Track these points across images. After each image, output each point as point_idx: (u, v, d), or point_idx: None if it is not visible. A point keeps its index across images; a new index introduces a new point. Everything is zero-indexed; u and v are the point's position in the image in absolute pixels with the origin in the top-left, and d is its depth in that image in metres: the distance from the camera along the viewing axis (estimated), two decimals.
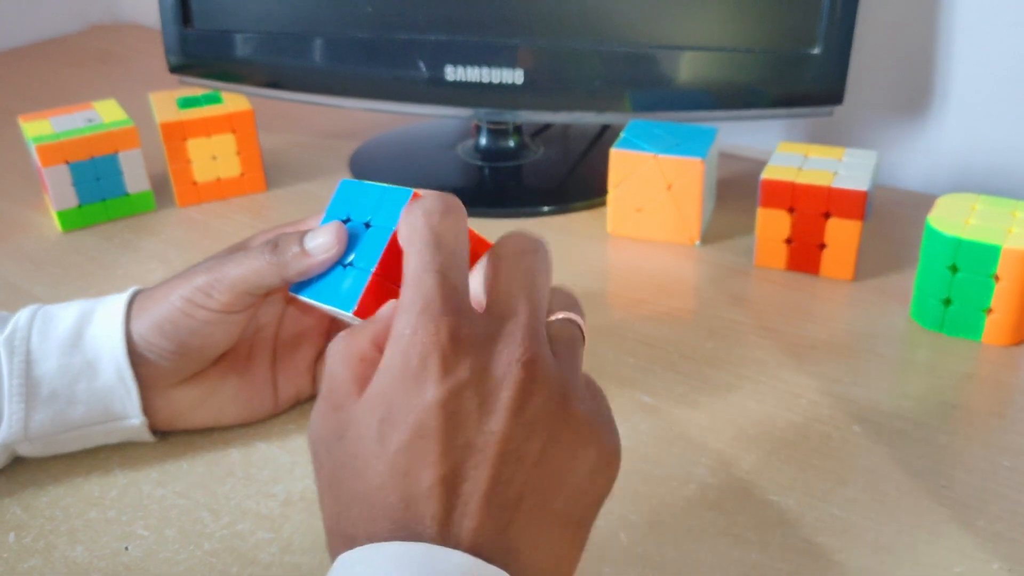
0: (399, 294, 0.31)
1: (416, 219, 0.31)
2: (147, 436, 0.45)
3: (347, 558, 0.27)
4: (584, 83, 0.67)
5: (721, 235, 0.65)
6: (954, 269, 0.52)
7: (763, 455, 0.45)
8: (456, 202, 0.32)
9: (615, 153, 0.63)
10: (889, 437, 0.46)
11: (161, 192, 0.72)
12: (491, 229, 0.38)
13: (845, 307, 0.57)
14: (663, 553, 0.40)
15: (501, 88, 0.68)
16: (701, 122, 0.66)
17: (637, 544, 0.40)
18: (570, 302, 0.34)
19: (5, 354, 0.42)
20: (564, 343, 0.32)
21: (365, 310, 0.36)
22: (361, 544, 0.27)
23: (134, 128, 0.67)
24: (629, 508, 0.42)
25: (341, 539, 0.28)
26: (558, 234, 0.66)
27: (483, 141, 0.77)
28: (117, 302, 0.44)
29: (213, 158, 0.71)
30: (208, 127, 0.69)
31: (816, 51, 0.62)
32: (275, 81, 0.72)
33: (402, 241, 0.32)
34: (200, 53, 0.73)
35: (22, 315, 0.44)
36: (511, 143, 0.77)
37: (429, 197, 0.32)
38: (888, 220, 0.66)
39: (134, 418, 0.44)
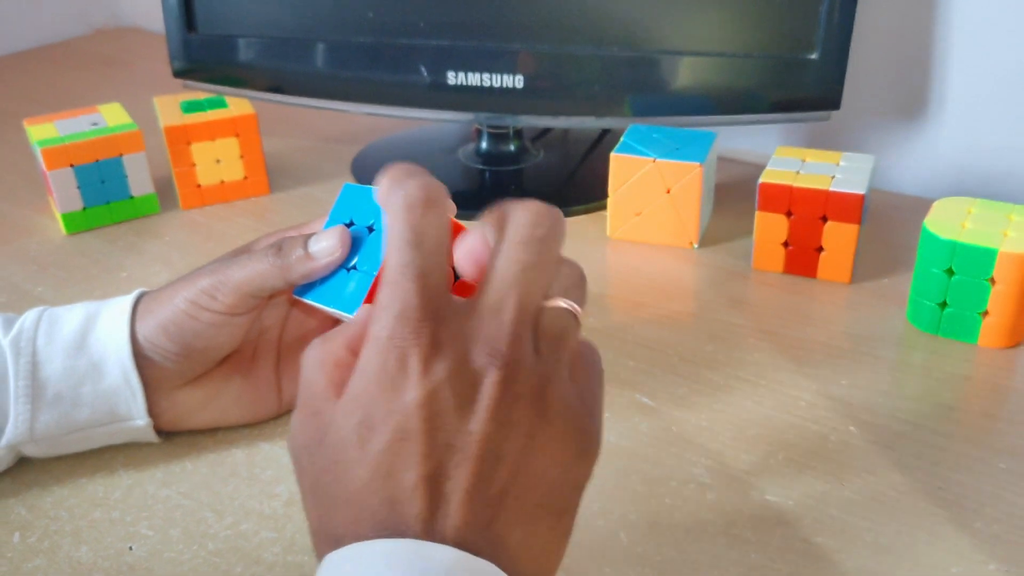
0: None
1: (396, 214, 0.30)
2: (152, 437, 0.46)
3: (334, 557, 0.28)
4: (584, 88, 0.67)
5: (720, 238, 0.66)
6: (950, 272, 0.52)
7: (762, 456, 0.45)
8: (439, 192, 0.31)
9: (615, 157, 0.63)
10: (886, 439, 0.46)
11: (165, 195, 0.72)
12: None
13: (842, 310, 0.57)
14: (663, 553, 0.40)
15: (502, 92, 0.68)
16: (700, 127, 0.67)
17: (637, 544, 0.41)
18: (572, 282, 0.32)
19: (11, 355, 0.43)
20: (552, 336, 0.30)
21: None
22: (347, 544, 0.28)
23: (138, 132, 0.68)
24: (629, 508, 0.42)
25: (327, 541, 0.29)
26: None
27: (484, 145, 0.77)
28: (122, 304, 0.45)
29: (217, 161, 0.71)
30: (212, 131, 0.70)
31: (814, 56, 0.62)
32: (278, 85, 0.73)
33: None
34: (204, 58, 0.73)
35: (28, 317, 0.44)
36: (512, 147, 0.77)
37: (411, 186, 0.30)
38: (885, 224, 0.67)
39: (139, 419, 0.44)
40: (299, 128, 0.87)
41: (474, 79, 0.68)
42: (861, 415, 0.48)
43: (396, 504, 0.28)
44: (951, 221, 0.53)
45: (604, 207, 0.67)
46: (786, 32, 0.62)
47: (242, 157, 0.72)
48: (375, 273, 0.37)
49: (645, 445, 0.46)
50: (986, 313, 0.52)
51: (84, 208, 0.68)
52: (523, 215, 0.31)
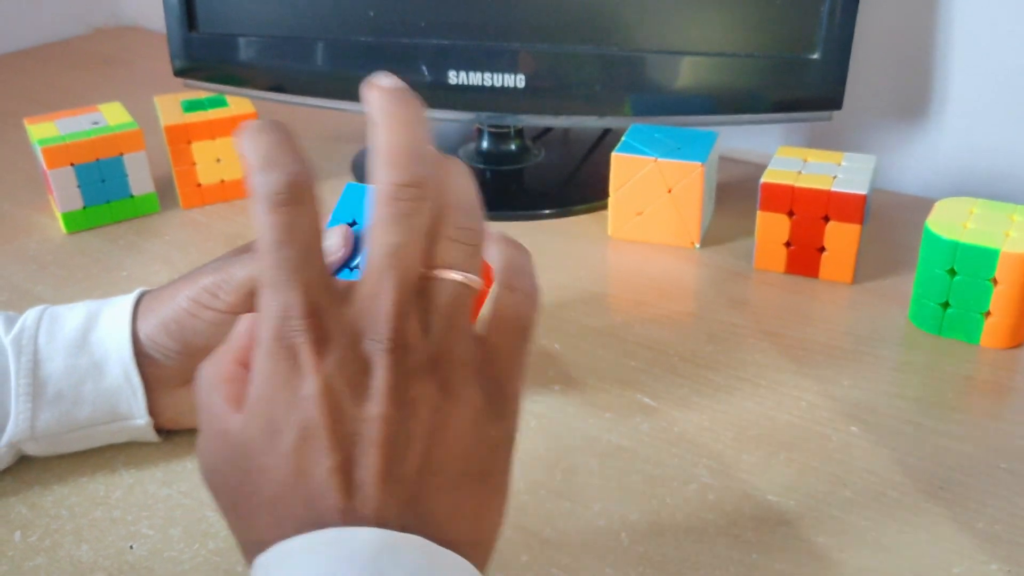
0: None
1: (260, 214, 0.28)
2: (152, 436, 0.46)
3: (262, 560, 0.28)
4: (585, 87, 0.67)
5: (721, 238, 0.66)
6: (952, 273, 0.52)
7: (763, 456, 0.45)
8: (309, 179, 0.29)
9: (616, 157, 0.63)
10: (888, 439, 0.46)
11: (165, 194, 0.72)
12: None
13: (844, 310, 0.57)
14: (663, 553, 0.40)
15: (503, 92, 0.68)
16: (701, 126, 0.67)
17: (638, 544, 0.41)
18: (465, 253, 0.30)
19: (13, 353, 0.43)
20: (442, 308, 0.29)
21: None
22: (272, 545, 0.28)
23: (139, 131, 0.68)
24: (630, 508, 0.42)
25: (254, 548, 0.29)
26: (559, 237, 0.67)
27: (485, 145, 0.77)
28: (124, 303, 0.44)
29: (217, 160, 0.71)
30: (212, 130, 0.70)
31: (815, 56, 0.62)
32: (279, 84, 0.73)
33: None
34: (204, 57, 0.73)
35: (29, 315, 0.44)
36: (513, 147, 0.77)
37: (273, 179, 0.28)
38: (887, 224, 0.67)
39: (140, 418, 0.44)
40: (300, 127, 0.86)
41: (475, 78, 0.68)
42: (863, 415, 0.48)
43: (313, 500, 0.27)
44: (953, 221, 0.53)
45: (605, 207, 0.66)
46: (788, 32, 0.62)
47: None
48: None
49: (646, 445, 0.46)
50: (988, 313, 0.52)
51: (84, 207, 0.68)
52: (388, 186, 0.29)
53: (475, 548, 0.29)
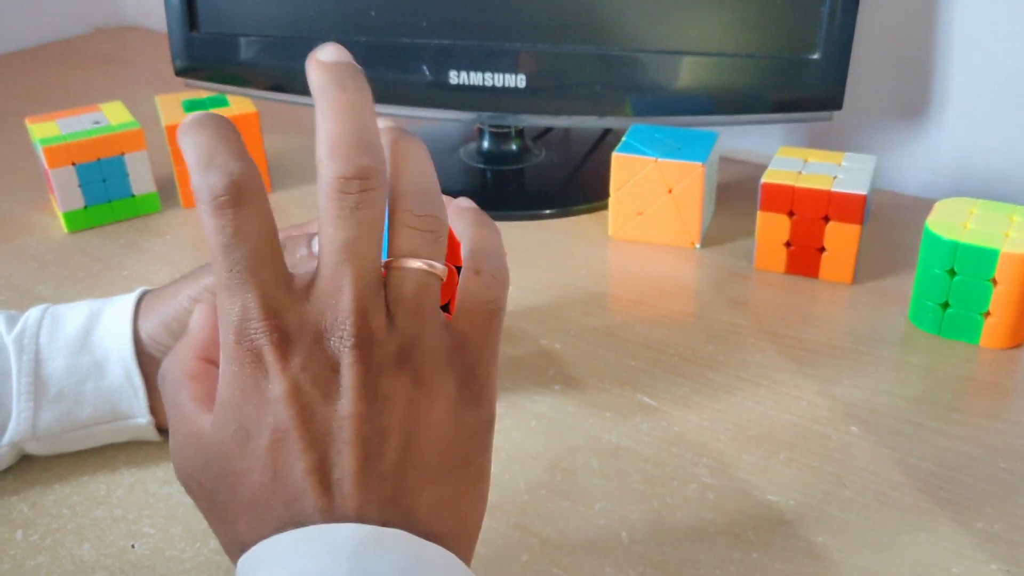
0: None
1: (206, 217, 0.28)
2: (154, 435, 0.46)
3: (246, 560, 0.27)
4: (586, 87, 0.67)
5: (721, 238, 0.66)
6: (952, 273, 0.52)
7: (763, 456, 0.45)
8: (251, 177, 0.28)
9: (617, 157, 0.63)
10: (888, 439, 0.46)
11: (167, 194, 0.72)
12: None
13: (844, 310, 0.57)
14: (664, 552, 0.40)
15: (504, 92, 0.68)
16: (702, 126, 0.67)
17: (638, 543, 0.41)
18: (422, 240, 0.29)
19: (14, 352, 0.43)
20: (405, 299, 0.29)
21: None
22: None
23: (140, 130, 0.68)
24: (630, 507, 0.42)
25: (237, 550, 0.28)
26: (560, 237, 0.67)
27: (486, 144, 0.77)
28: (125, 302, 0.45)
29: None
30: None
31: (816, 56, 0.62)
32: (280, 84, 0.73)
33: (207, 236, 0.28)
34: (206, 56, 0.73)
35: (31, 314, 0.45)
36: (513, 147, 0.77)
37: (214, 180, 0.27)
38: (887, 224, 0.67)
39: (141, 417, 0.44)
40: (300, 127, 0.87)
41: (476, 78, 0.68)
42: (862, 415, 0.48)
43: (292, 502, 0.27)
44: (953, 222, 0.53)
45: (606, 207, 0.67)
46: (788, 32, 0.62)
47: None
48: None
49: (646, 445, 0.46)
50: (988, 314, 0.52)
51: (85, 206, 0.68)
52: (327, 184, 0.28)
53: (459, 539, 0.29)
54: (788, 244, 0.60)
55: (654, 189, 0.63)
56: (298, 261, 0.40)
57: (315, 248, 0.40)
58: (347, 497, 0.27)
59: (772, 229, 0.60)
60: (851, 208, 0.57)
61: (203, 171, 0.28)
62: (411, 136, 0.30)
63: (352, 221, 0.28)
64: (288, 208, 0.72)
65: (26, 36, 1.15)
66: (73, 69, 1.07)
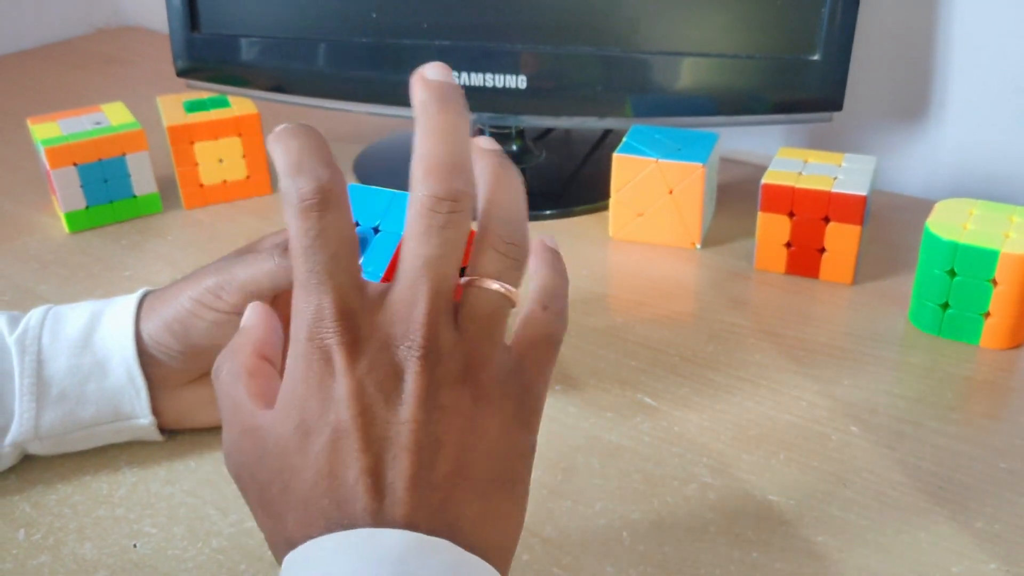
0: None
1: (292, 219, 0.29)
2: (156, 435, 0.46)
3: (292, 558, 0.28)
4: (586, 88, 0.67)
5: (722, 239, 0.66)
6: (952, 273, 0.52)
7: (763, 456, 0.46)
8: (338, 184, 0.29)
9: (617, 158, 0.63)
10: (888, 439, 0.47)
11: (168, 194, 0.72)
12: None
13: (844, 310, 0.57)
14: (664, 552, 0.40)
15: (504, 93, 0.68)
16: (702, 127, 0.67)
17: (639, 543, 0.41)
18: (506, 265, 0.30)
19: (17, 353, 0.43)
20: (478, 317, 0.30)
21: None
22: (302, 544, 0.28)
23: (141, 131, 0.68)
24: (631, 507, 0.43)
25: (283, 548, 0.29)
26: (560, 238, 0.67)
27: None
28: (127, 303, 0.45)
29: (219, 161, 0.71)
30: (214, 130, 0.70)
31: (816, 57, 0.62)
32: (281, 85, 0.73)
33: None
34: (207, 57, 0.73)
35: (33, 315, 0.45)
36: (514, 147, 0.77)
37: (303, 184, 0.29)
38: (887, 225, 0.67)
39: (143, 418, 0.45)
40: None
41: (476, 79, 0.68)
42: (862, 415, 0.48)
43: (343, 502, 0.28)
44: (953, 222, 0.53)
45: (606, 207, 0.67)
46: (788, 33, 0.63)
47: (245, 156, 0.72)
48: (381, 274, 0.37)
49: (647, 445, 0.47)
50: (988, 314, 0.52)
51: (87, 207, 0.68)
52: (419, 202, 0.29)
53: (498, 554, 0.29)
54: (788, 245, 0.60)
55: (655, 190, 0.63)
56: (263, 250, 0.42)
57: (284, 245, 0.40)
58: (397, 502, 0.28)
59: (772, 230, 0.60)
60: (851, 209, 0.57)
61: (293, 175, 0.29)
62: (511, 166, 0.32)
63: (438, 239, 0.29)
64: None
65: (27, 36, 1.15)
66: (74, 69, 1.07)
